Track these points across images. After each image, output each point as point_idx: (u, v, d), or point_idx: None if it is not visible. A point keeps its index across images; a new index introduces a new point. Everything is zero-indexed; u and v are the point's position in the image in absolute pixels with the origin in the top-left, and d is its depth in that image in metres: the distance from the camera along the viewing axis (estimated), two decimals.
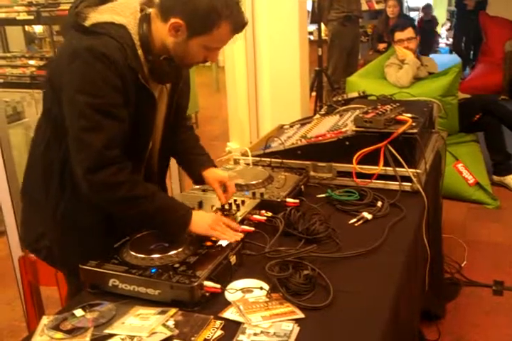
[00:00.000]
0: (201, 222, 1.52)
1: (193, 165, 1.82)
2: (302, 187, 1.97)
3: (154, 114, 1.58)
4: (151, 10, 1.47)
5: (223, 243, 1.48)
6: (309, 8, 6.97)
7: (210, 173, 1.78)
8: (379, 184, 2.00)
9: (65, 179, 1.54)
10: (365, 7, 7.93)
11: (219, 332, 1.20)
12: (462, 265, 3.07)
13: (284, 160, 2.11)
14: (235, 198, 1.78)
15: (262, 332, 1.20)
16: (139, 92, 1.46)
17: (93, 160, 1.40)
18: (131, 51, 1.41)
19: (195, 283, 1.28)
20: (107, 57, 1.36)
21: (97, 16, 1.42)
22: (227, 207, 1.74)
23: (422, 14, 10.21)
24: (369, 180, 2.00)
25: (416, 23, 8.58)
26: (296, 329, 1.21)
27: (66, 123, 1.43)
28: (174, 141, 1.77)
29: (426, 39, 8.40)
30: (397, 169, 1.97)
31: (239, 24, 1.45)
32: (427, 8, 10.08)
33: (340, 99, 2.77)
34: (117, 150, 1.44)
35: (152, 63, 1.47)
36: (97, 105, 1.38)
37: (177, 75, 1.59)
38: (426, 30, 9.10)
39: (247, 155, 2.19)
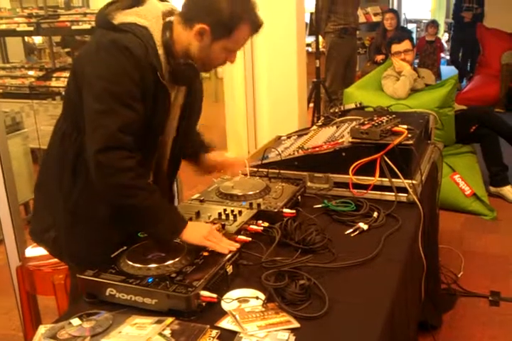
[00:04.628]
0: (195, 231, 1.53)
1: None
2: (299, 197, 1.98)
3: (168, 112, 1.63)
4: (172, 18, 1.57)
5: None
6: (307, 20, 7.03)
7: (206, 159, 1.95)
8: (375, 195, 2.02)
9: (79, 169, 1.58)
10: (362, 19, 7.96)
11: None
12: (459, 275, 3.08)
13: (281, 171, 2.13)
14: (232, 209, 1.79)
15: None
16: (156, 89, 1.52)
17: (106, 140, 1.44)
18: (152, 50, 1.49)
19: (192, 293, 1.29)
20: (129, 51, 1.44)
21: (122, 17, 1.52)
22: (224, 217, 1.75)
23: (425, 33, 8.59)
24: (365, 191, 2.01)
25: (415, 40, 8.09)
26: (292, 338, 1.22)
27: (83, 108, 1.48)
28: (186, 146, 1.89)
29: (424, 63, 7.98)
30: (393, 180, 1.99)
31: (256, 25, 1.56)
32: (432, 27, 8.56)
33: (337, 110, 2.79)
34: (131, 138, 1.48)
35: (172, 65, 1.55)
36: (114, 92, 1.45)
37: (194, 79, 1.67)
38: (426, 52, 8.24)
39: (245, 166, 2.20)
